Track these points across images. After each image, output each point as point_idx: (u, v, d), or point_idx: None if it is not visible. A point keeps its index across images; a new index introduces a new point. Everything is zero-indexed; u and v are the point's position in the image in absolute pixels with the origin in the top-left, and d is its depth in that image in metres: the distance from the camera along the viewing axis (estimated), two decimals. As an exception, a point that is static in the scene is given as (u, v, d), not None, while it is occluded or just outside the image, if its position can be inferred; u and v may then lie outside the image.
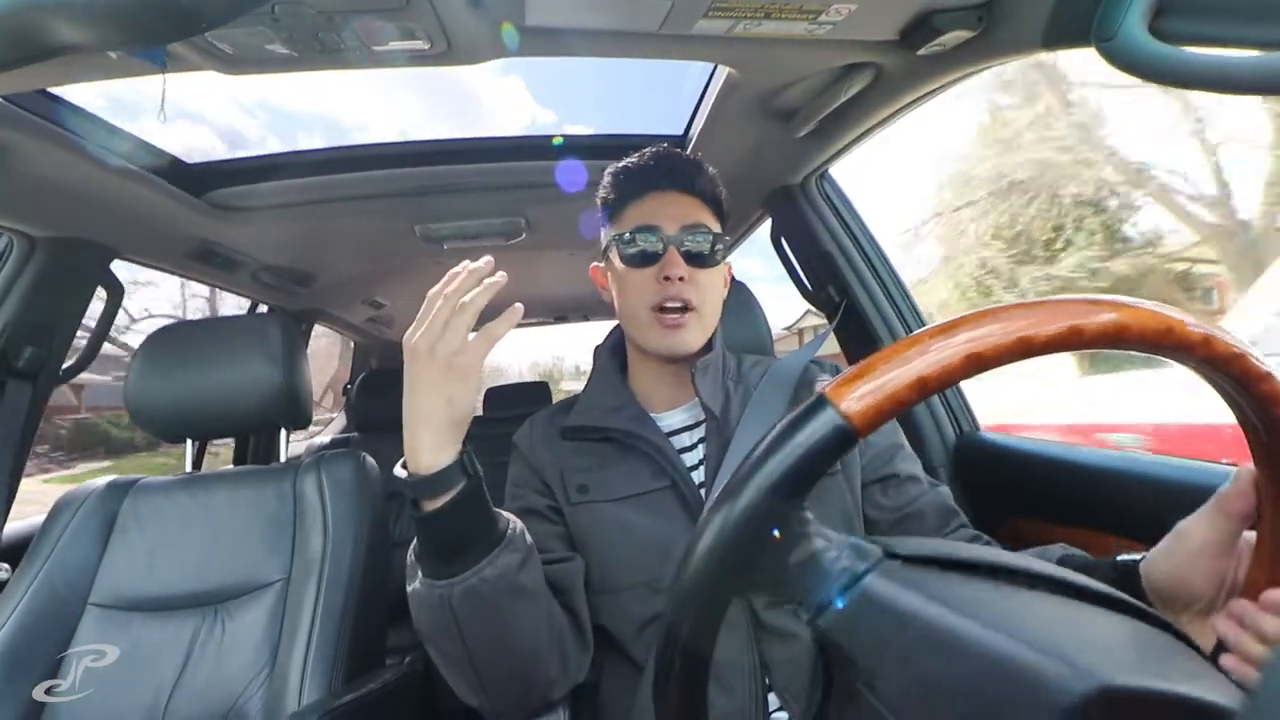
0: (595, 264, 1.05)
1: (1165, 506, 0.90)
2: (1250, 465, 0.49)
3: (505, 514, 0.77)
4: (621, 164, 0.99)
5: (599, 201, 1.02)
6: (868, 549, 0.42)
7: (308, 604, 1.16)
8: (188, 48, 0.89)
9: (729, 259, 1.06)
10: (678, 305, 0.91)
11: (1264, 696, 0.29)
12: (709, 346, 0.99)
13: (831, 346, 1.76)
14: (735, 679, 0.81)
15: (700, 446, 0.95)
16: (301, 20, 0.85)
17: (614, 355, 1.08)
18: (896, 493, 0.93)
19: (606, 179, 1.00)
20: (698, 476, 0.92)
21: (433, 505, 0.68)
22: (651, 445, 0.92)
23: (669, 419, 0.99)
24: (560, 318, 3.77)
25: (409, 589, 0.74)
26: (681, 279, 0.91)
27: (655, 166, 0.96)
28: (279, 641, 1.15)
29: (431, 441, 0.68)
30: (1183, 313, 0.40)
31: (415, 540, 0.73)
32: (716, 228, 0.97)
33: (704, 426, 0.95)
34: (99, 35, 0.44)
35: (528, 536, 0.77)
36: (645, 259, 0.93)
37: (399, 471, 0.70)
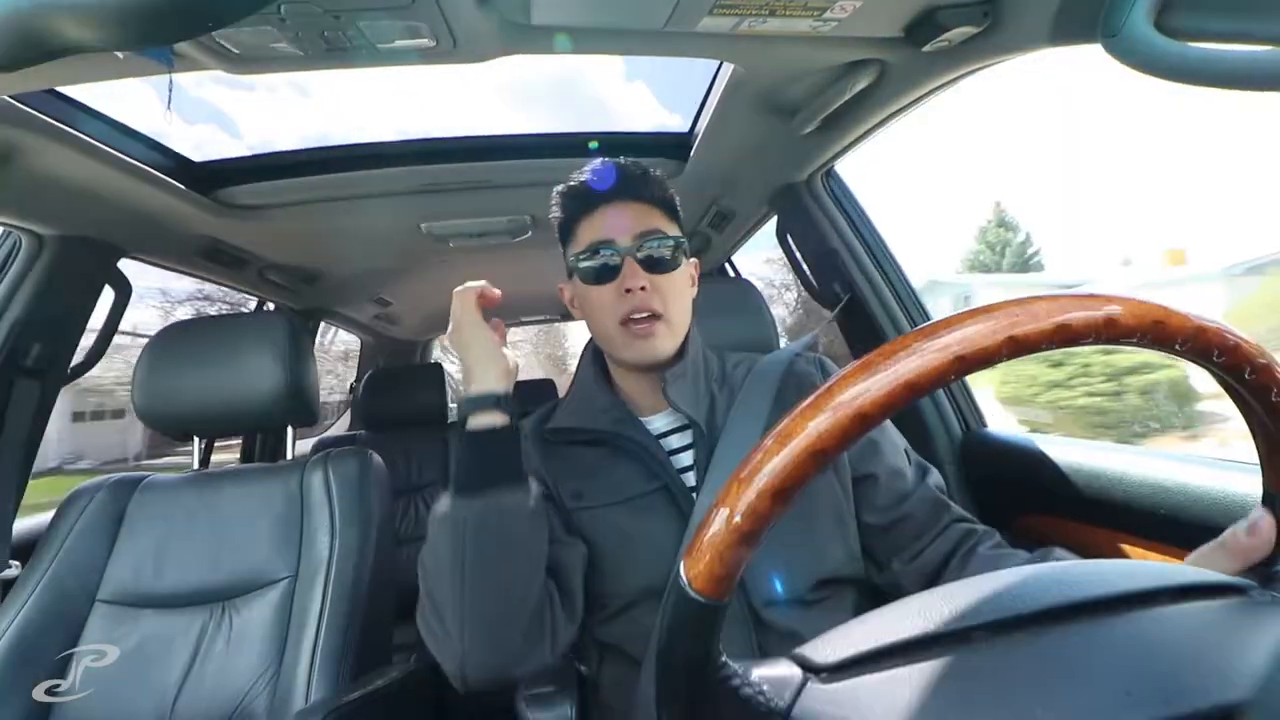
0: (561, 284, 1.04)
1: (1172, 504, 0.91)
2: (1264, 510, 0.49)
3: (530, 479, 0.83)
4: (567, 183, 0.98)
5: (553, 222, 1.02)
6: (785, 677, 0.40)
7: (314, 601, 1.16)
8: (194, 47, 0.89)
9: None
10: (644, 315, 0.91)
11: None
12: (683, 352, 0.97)
13: (840, 346, 1.76)
14: None
15: (691, 450, 0.94)
16: (308, 19, 0.85)
17: (596, 359, 1.06)
18: (885, 492, 0.91)
19: (555, 198, 1.00)
20: (690, 479, 0.92)
21: (477, 423, 0.79)
22: (641, 447, 0.93)
23: (656, 422, 0.98)
24: (565, 315, 3.78)
25: (432, 516, 0.80)
26: (644, 288, 0.90)
27: (600, 180, 0.95)
28: (286, 638, 1.15)
29: (483, 370, 0.82)
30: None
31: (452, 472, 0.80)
32: (673, 230, 0.96)
33: (691, 432, 0.95)
34: (106, 35, 0.44)
35: (541, 504, 0.82)
36: (604, 274, 0.92)
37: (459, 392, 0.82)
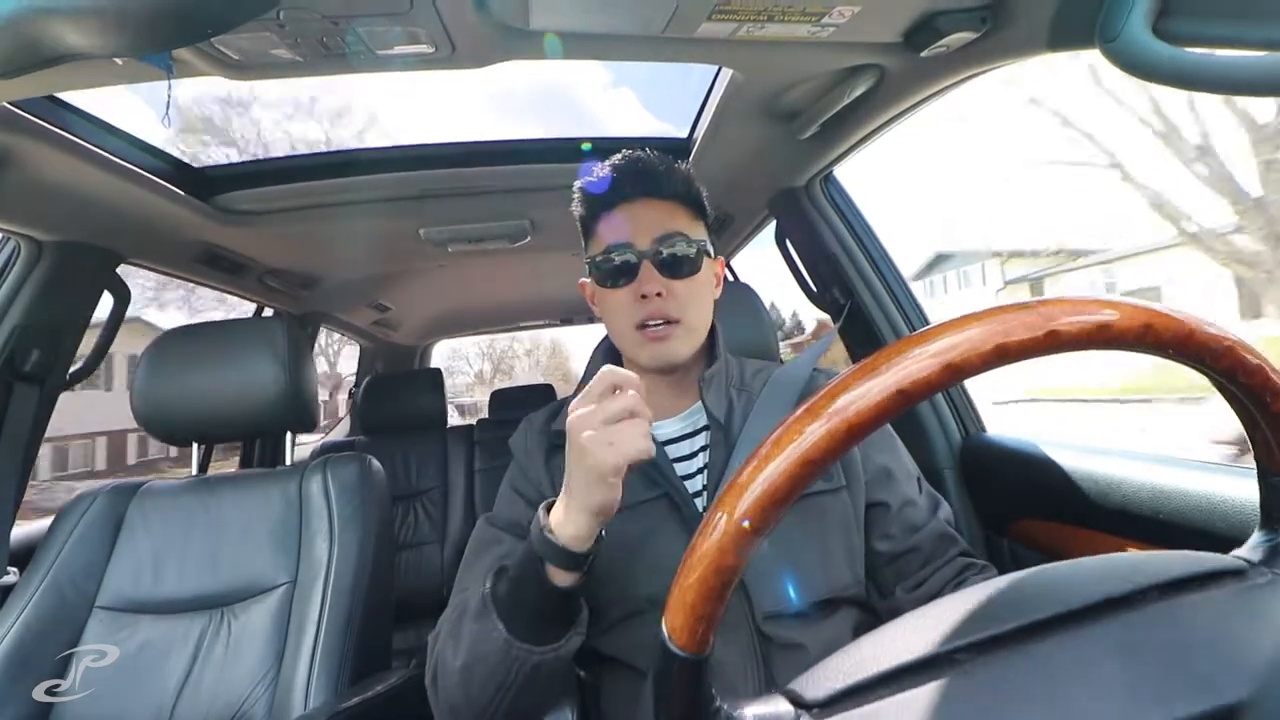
0: (582, 280, 1.01)
1: (1171, 508, 0.91)
2: None
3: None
4: (587, 178, 0.96)
5: (574, 218, 0.99)
6: (778, 715, 0.40)
7: (313, 607, 1.16)
8: (194, 53, 0.89)
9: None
10: (659, 322, 0.89)
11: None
12: (713, 354, 0.97)
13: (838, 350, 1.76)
14: (743, 690, 0.80)
15: (700, 455, 0.93)
16: (306, 25, 0.85)
17: (607, 358, 1.04)
18: (897, 521, 0.90)
19: (576, 194, 0.97)
20: (693, 485, 0.90)
21: (558, 580, 0.69)
22: None
23: (665, 428, 0.96)
24: (566, 320, 3.78)
25: (477, 618, 0.73)
26: (659, 295, 0.88)
27: (620, 176, 0.93)
28: (285, 644, 1.15)
29: (581, 515, 0.68)
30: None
31: (503, 583, 0.73)
32: (696, 230, 0.94)
33: (704, 435, 0.93)
34: (106, 41, 0.44)
35: (586, 612, 0.77)
36: (620, 277, 0.90)
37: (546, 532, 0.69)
